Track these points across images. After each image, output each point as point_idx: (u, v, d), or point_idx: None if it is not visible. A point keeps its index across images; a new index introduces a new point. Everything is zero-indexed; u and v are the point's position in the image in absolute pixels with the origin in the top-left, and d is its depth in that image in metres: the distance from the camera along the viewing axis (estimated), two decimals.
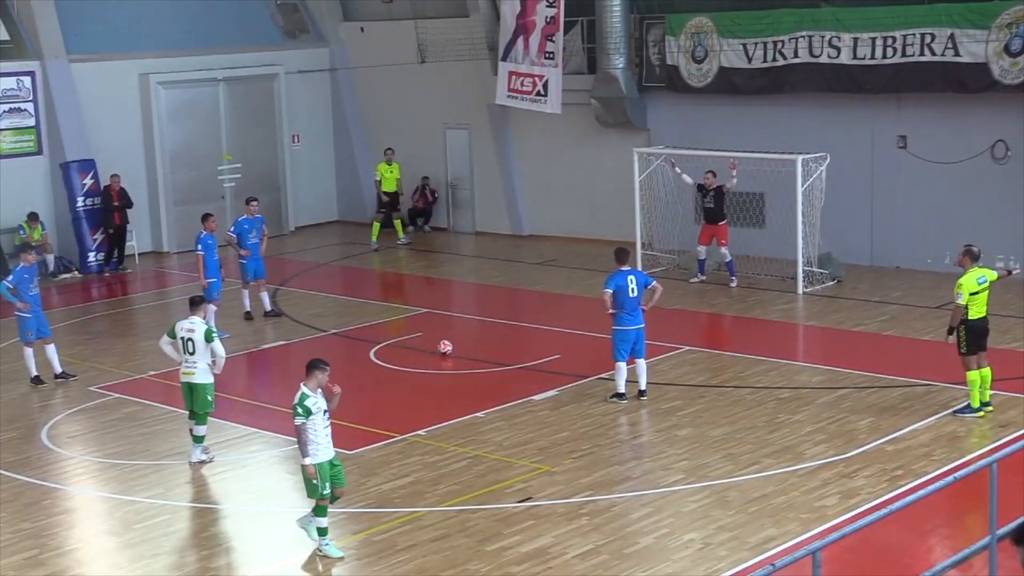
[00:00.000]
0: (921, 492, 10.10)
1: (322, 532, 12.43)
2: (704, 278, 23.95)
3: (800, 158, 22.76)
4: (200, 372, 15.06)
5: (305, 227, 32.31)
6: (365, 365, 19.43)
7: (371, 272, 27.63)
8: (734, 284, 23.45)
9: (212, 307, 19.87)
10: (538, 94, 27.50)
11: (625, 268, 16.99)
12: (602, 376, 17.81)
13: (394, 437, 15.87)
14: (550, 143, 28.88)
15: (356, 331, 21.60)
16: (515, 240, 29.55)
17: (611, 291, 16.73)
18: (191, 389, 15.12)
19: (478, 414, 16.66)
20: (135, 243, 29.17)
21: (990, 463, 9.83)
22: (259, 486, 14.73)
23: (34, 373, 18.81)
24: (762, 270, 23.95)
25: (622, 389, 16.87)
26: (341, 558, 12.28)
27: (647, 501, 13.40)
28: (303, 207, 32.45)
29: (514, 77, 27.90)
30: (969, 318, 15.35)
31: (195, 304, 15.44)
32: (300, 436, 12.23)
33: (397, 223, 29.39)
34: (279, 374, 19.49)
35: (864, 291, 22.65)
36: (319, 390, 12.37)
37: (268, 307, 22.75)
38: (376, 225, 29.16)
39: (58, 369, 18.99)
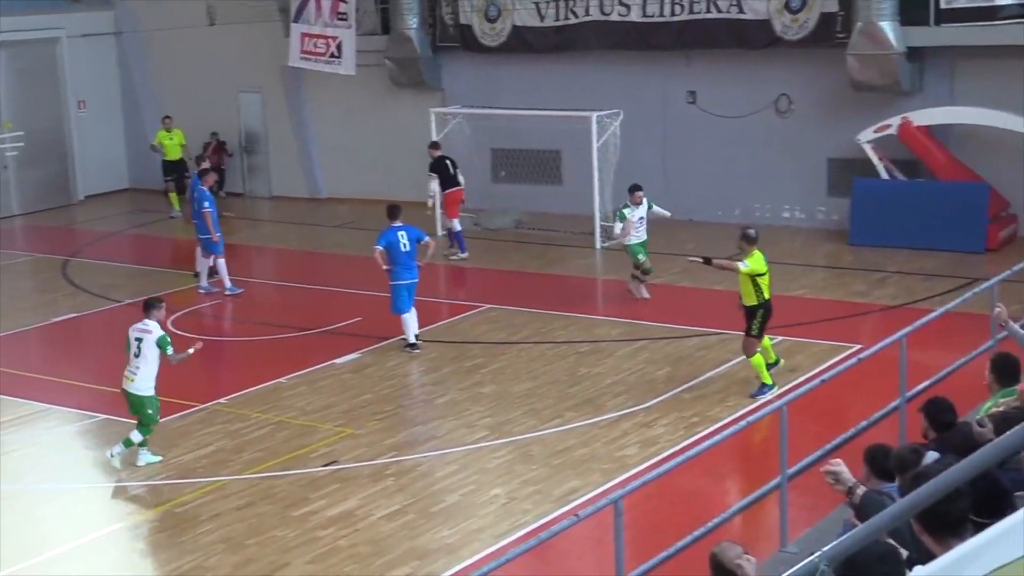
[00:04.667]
0: (716, 437, 10.40)
1: (142, 444, 13.77)
2: (466, 255, 23.27)
3: (594, 115, 23.08)
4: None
5: (95, 196, 31.34)
6: None
7: (166, 240, 26.99)
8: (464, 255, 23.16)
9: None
10: (332, 56, 27.21)
11: (397, 224, 17.41)
12: (404, 337, 17.80)
13: (194, 407, 15.58)
14: (345, 105, 28.61)
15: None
16: (312, 203, 29.25)
17: (382, 248, 17.16)
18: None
19: (280, 380, 16.48)
20: None
21: (780, 407, 10.18)
22: (55, 463, 14.30)
23: None
24: (560, 226, 24.24)
25: (413, 339, 17.18)
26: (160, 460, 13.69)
27: (452, 459, 13.48)
28: (92, 175, 31.46)
29: (307, 39, 27.54)
30: (767, 298, 15.00)
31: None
32: (175, 357, 13.86)
33: (172, 195, 28.43)
34: (72, 347, 18.92)
35: (659, 244, 23.02)
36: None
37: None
38: (173, 195, 28.39)
39: None
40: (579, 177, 24.02)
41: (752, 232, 15.26)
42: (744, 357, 15.16)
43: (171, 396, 15.89)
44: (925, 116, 21.79)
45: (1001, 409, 7.83)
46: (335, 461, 13.61)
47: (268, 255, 25.16)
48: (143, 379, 13.72)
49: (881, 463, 7.55)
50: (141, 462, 13.81)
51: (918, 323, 12.09)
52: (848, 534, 4.42)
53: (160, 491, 13.16)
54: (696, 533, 9.61)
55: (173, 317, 19.73)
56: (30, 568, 11.60)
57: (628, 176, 23.63)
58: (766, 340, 15.29)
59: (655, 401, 14.89)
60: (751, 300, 14.88)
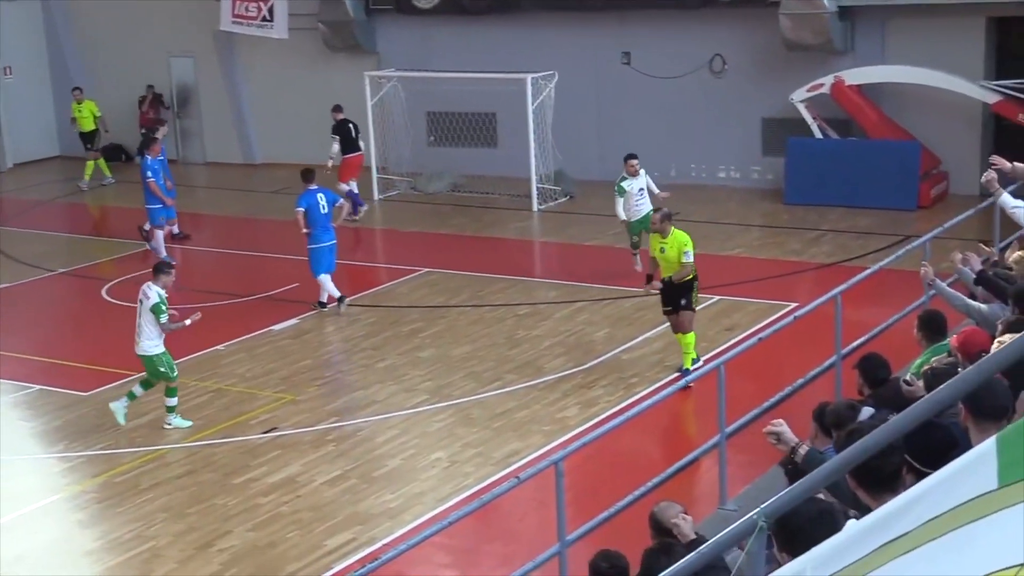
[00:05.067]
0: (656, 397, 10.49)
1: (170, 409, 13.67)
2: (364, 207, 23.50)
3: (529, 77, 23.04)
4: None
5: (24, 164, 30.87)
6: (97, 304, 18.83)
7: (98, 208, 26.67)
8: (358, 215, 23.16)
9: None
10: (264, 19, 26.93)
11: (313, 187, 17.65)
12: (322, 300, 17.73)
13: (131, 375, 15.44)
14: (279, 69, 28.32)
15: (85, 269, 20.88)
16: (247, 169, 28.98)
17: (303, 210, 17.40)
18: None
19: (218, 347, 16.39)
20: None
21: (717, 366, 10.26)
22: None
23: None
24: (496, 189, 24.22)
25: (337, 293, 17.40)
26: (190, 425, 13.62)
27: (393, 424, 13.49)
28: (21, 143, 30.95)
29: (238, 3, 27.22)
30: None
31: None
32: (147, 327, 13.56)
33: (101, 163, 27.99)
34: (6, 318, 18.67)
35: (595, 206, 23.16)
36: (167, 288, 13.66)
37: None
38: (90, 164, 27.90)
39: None
40: (515, 139, 23.99)
41: (670, 211, 14.73)
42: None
43: (107, 366, 15.80)
44: (857, 75, 21.96)
45: (932, 365, 7.94)
46: (275, 428, 13.57)
47: (204, 221, 24.88)
48: (145, 340, 13.64)
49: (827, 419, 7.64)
50: (170, 425, 13.74)
51: (852, 280, 12.21)
52: (786, 490, 4.48)
53: (99, 461, 13.06)
54: (636, 493, 9.67)
55: (107, 286, 19.57)
56: None
57: (563, 137, 23.70)
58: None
59: (594, 362, 14.96)
60: (687, 273, 14.31)
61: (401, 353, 15.77)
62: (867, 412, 7.47)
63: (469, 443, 12.84)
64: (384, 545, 10.64)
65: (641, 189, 17.77)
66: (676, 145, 24.11)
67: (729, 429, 10.48)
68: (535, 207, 23.18)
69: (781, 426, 6.89)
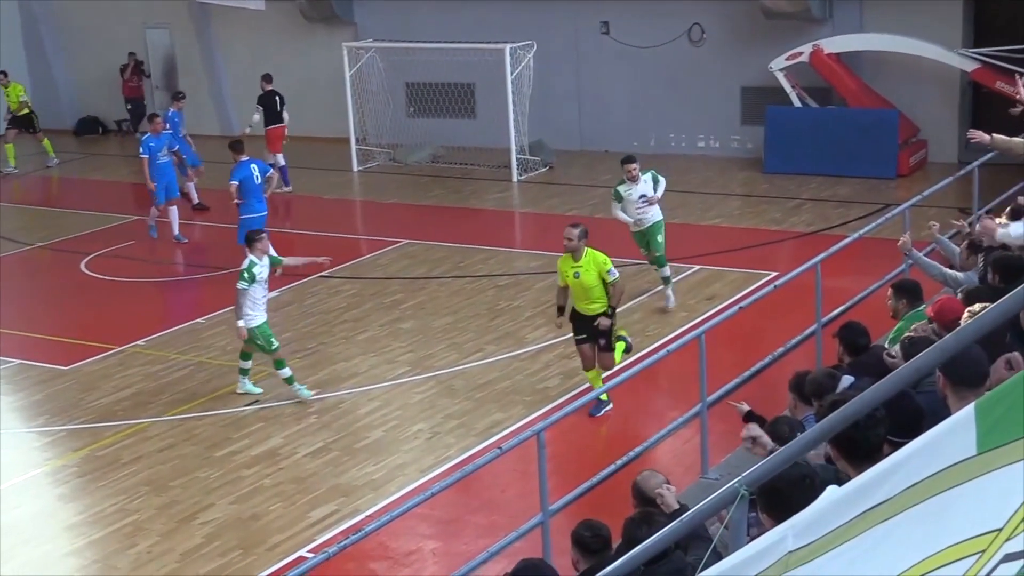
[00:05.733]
0: (636, 367, 10.52)
1: (289, 380, 13.29)
2: (289, 188, 23.37)
3: (508, 47, 22.98)
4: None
5: None
6: (76, 277, 18.76)
7: (75, 181, 26.53)
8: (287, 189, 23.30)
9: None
10: None
11: (245, 158, 17.84)
12: (323, 275, 17.72)
13: (112, 349, 15.43)
14: (256, 41, 28.15)
15: (63, 243, 20.79)
16: (225, 141, 28.73)
17: (237, 183, 17.60)
18: None
19: (199, 320, 16.36)
20: None
21: (698, 335, 10.30)
22: None
23: None
24: (476, 160, 24.18)
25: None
26: (311, 397, 13.33)
27: (375, 395, 13.49)
28: None
29: None
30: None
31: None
32: (238, 300, 13.01)
33: (46, 143, 27.44)
34: None
35: (575, 175, 23.19)
36: (264, 257, 13.18)
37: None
38: (9, 147, 27.42)
39: None
40: (494, 110, 23.94)
41: (584, 227, 12.68)
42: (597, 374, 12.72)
43: (87, 339, 15.77)
44: (836, 43, 21.95)
45: (911, 334, 7.99)
46: (257, 400, 13.57)
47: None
48: (245, 312, 13.18)
49: (806, 388, 7.69)
50: (298, 395, 13.38)
51: (832, 249, 12.27)
52: (766, 459, 4.51)
53: (80, 435, 13.04)
54: (618, 463, 9.73)
55: (86, 259, 19.49)
56: None
57: (542, 107, 23.64)
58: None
59: None
60: (605, 300, 12.45)
61: (382, 325, 15.77)
62: (847, 380, 7.52)
63: (451, 414, 12.86)
64: (367, 517, 10.67)
65: (643, 196, 15.27)
66: (655, 115, 24.11)
67: (710, 398, 10.54)
68: (514, 177, 23.16)
69: (756, 430, 6.92)
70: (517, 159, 23.24)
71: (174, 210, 20.39)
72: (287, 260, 14.23)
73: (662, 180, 15.42)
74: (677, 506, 6.90)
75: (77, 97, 31.21)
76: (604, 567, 5.00)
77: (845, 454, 5.43)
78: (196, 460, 12.22)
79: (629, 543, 6.18)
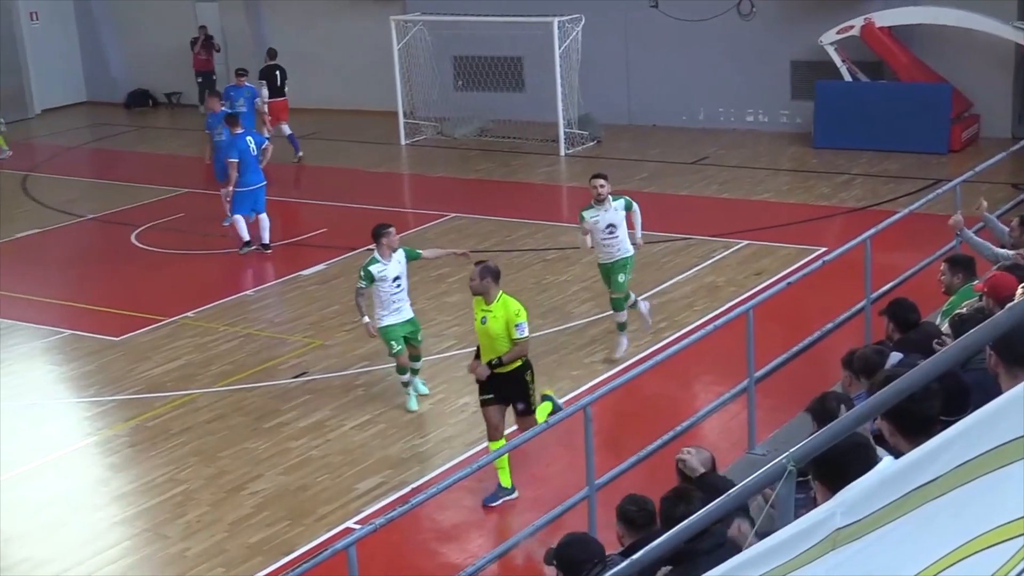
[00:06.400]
0: (684, 342, 10.48)
1: (405, 385, 12.64)
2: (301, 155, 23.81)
3: (556, 20, 22.88)
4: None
5: (52, 109, 30.96)
6: (127, 249, 18.92)
7: (126, 154, 26.72)
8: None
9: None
10: None
11: (240, 131, 18.07)
12: (369, 248, 17.71)
13: (162, 321, 15.56)
14: (305, 13, 28.22)
15: (114, 215, 20.96)
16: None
17: (236, 159, 17.76)
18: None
19: (247, 293, 16.47)
20: None
21: (746, 310, 10.25)
22: (23, 379, 14.27)
23: None
24: (524, 134, 24.14)
25: (247, 237, 17.95)
26: (425, 394, 12.78)
27: (422, 369, 13.52)
28: (48, 89, 31.02)
29: None
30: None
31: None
32: (356, 299, 12.45)
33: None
34: (36, 263, 18.79)
35: (623, 150, 23.11)
36: (392, 256, 12.36)
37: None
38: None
39: None
40: (542, 83, 23.88)
41: (496, 266, 10.98)
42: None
43: (137, 311, 15.91)
44: (887, 17, 21.71)
45: (962, 311, 7.91)
46: (305, 372, 13.64)
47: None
48: (377, 312, 12.40)
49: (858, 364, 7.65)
50: (414, 392, 12.71)
51: (882, 225, 12.15)
52: (814, 435, 4.49)
53: (130, 405, 13.18)
54: (665, 438, 9.71)
55: (136, 231, 19.65)
56: (2, 484, 11.63)
57: (590, 81, 23.52)
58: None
59: None
60: (520, 353, 10.63)
61: (429, 298, 15.79)
62: (895, 357, 7.46)
63: None
64: (413, 489, 10.71)
65: (611, 225, 13.15)
66: (704, 89, 23.97)
67: (758, 374, 10.49)
68: (562, 151, 23.10)
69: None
70: (565, 133, 23.18)
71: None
72: (426, 253, 13.22)
73: (637, 209, 13.31)
74: (702, 470, 6.90)
75: (128, 70, 31.40)
76: (649, 542, 4.99)
77: (900, 428, 5.40)
78: (244, 431, 12.31)
79: (666, 520, 6.18)
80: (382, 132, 25.28)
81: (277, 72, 23.78)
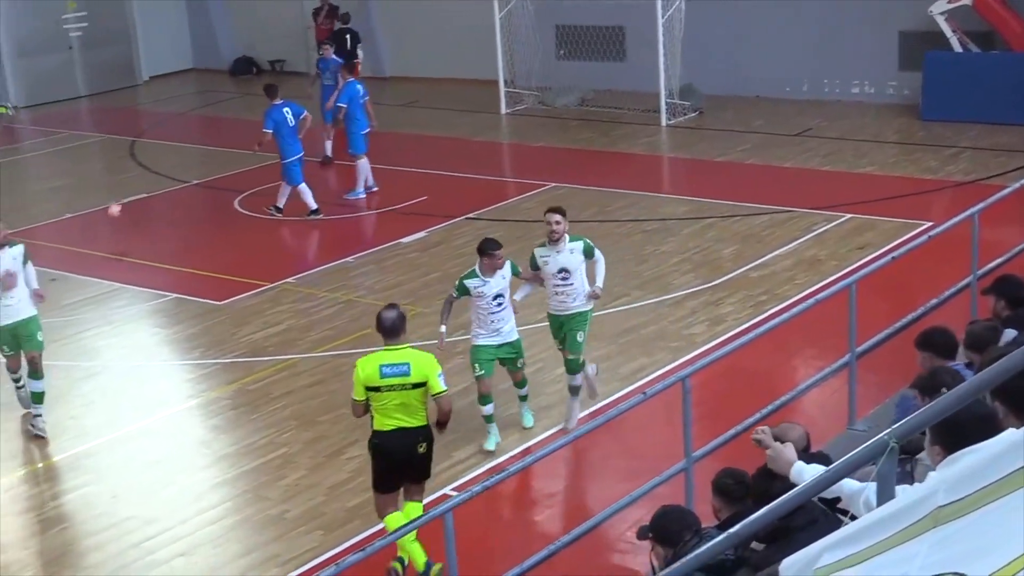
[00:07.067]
0: (785, 315, 10.36)
1: (488, 420, 11.13)
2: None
3: None
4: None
5: (159, 76, 31.44)
6: (230, 215, 19.18)
7: (231, 121, 27.05)
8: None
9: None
10: None
11: (279, 102, 18.10)
12: (469, 216, 17.83)
13: (264, 286, 15.76)
14: None
15: (218, 181, 21.25)
16: (376, 82, 28.99)
17: (271, 129, 17.99)
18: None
19: (347, 259, 16.61)
20: None
21: (848, 285, 10.10)
22: (125, 342, 14.55)
23: None
24: (625, 104, 23.99)
25: (314, 205, 18.44)
26: (530, 427, 11.36)
27: (520, 336, 13.52)
28: (156, 56, 31.51)
29: None
30: (376, 428, 9.38)
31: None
32: (443, 306, 11.25)
33: None
34: (142, 227, 19.12)
35: (726, 120, 22.88)
36: (496, 274, 10.97)
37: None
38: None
39: None
40: (644, 53, 23.68)
41: (394, 318, 9.51)
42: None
43: (240, 276, 16.14)
44: None
45: None
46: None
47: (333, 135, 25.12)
48: (474, 329, 11.43)
49: (940, 342, 7.51)
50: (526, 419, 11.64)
51: (990, 200, 11.88)
52: (918, 411, 4.41)
53: (232, 369, 13.37)
54: (763, 411, 9.61)
55: (240, 197, 19.89)
56: (108, 444, 11.90)
57: (693, 51, 23.26)
58: (412, 507, 9.40)
59: (722, 279, 14.84)
60: (424, 416, 9.36)
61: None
62: (1009, 334, 7.31)
63: (595, 358, 12.82)
64: (511, 457, 10.74)
65: (564, 271, 11.22)
66: (808, 59, 23.61)
67: (860, 349, 10.34)
68: (663, 122, 22.93)
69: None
70: (666, 103, 23.00)
71: (362, 164, 19.63)
72: (524, 275, 11.55)
73: (600, 258, 11.31)
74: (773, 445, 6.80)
75: (233, 38, 31.76)
76: (745, 516, 4.96)
77: (1013, 406, 5.28)
78: (344, 396, 12.37)
79: (760, 495, 6.12)
80: (483, 101, 25.30)
81: (347, 36, 24.12)
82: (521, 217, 17.74)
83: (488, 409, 11.23)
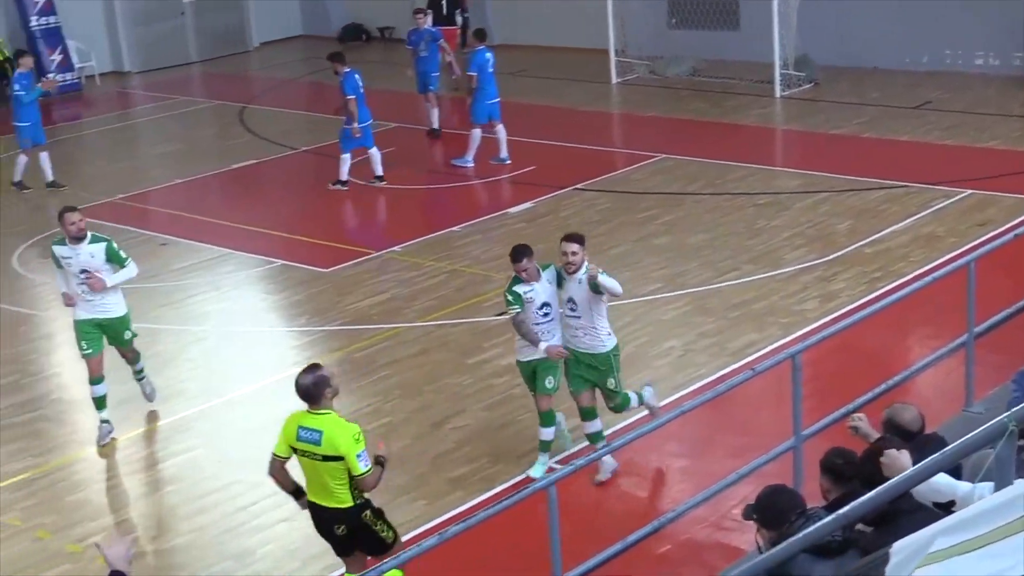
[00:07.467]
0: (900, 293, 10.07)
1: (543, 447, 10.19)
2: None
3: None
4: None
5: (269, 43, 31.67)
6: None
7: (337, 88, 27.01)
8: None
9: None
10: None
11: (348, 69, 18.17)
12: (578, 187, 17.66)
13: (369, 254, 15.76)
14: None
15: (326, 148, 21.28)
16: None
17: (353, 97, 18.01)
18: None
19: (453, 228, 16.54)
20: (95, 63, 28.57)
21: (967, 262, 9.78)
22: (232, 307, 14.64)
23: (18, 178, 19.61)
24: (738, 74, 23.60)
25: (345, 177, 18.50)
26: (539, 477, 9.68)
27: (626, 310, 13.35)
28: (266, 22, 31.71)
29: None
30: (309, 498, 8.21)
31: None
32: (517, 330, 9.99)
33: None
34: (251, 193, 19.25)
35: (841, 92, 22.40)
36: (542, 276, 10.01)
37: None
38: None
39: (49, 177, 19.57)
40: (758, 22, 23.23)
41: (316, 382, 8.10)
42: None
43: (345, 243, 16.17)
44: None
45: None
46: (505, 312, 13.60)
47: (441, 104, 25.08)
48: (516, 345, 10.45)
49: None
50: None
51: None
52: None
53: (337, 336, 13.39)
54: (876, 391, 9.35)
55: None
56: (214, 408, 11.98)
57: (809, 21, 22.76)
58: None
59: (836, 255, 14.51)
60: (346, 496, 8.01)
61: (635, 240, 15.61)
62: None
63: (704, 332, 12.65)
64: (615, 432, 10.60)
65: (546, 305, 10.08)
66: (929, 29, 22.99)
67: (978, 328, 10.01)
68: (777, 93, 22.50)
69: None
70: (781, 74, 22.55)
71: (500, 130, 19.40)
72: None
73: (608, 283, 9.87)
74: (876, 435, 6.64)
75: (342, 5, 31.87)
76: (853, 498, 4.84)
77: None
78: (448, 367, 12.38)
79: (866, 479, 5.94)
80: (593, 70, 25.06)
81: (443, 1, 24.10)
82: (630, 188, 17.54)
83: (549, 433, 10.12)
